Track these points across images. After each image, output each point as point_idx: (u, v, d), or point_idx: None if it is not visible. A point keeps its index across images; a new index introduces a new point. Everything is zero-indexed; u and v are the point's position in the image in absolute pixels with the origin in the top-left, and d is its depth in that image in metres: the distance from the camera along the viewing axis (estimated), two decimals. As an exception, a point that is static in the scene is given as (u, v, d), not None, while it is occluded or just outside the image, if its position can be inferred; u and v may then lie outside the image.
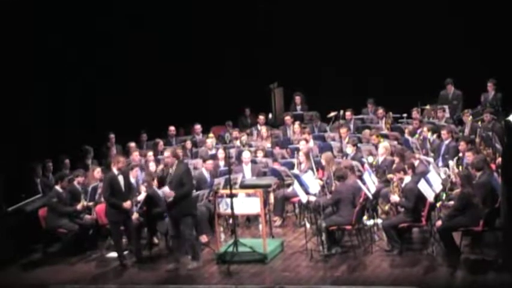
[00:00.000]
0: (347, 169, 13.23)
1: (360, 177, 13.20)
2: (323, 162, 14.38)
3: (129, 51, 19.29)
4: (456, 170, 13.77)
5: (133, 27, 19.30)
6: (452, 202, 12.57)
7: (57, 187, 13.79)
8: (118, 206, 12.78)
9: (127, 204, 12.83)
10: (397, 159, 13.62)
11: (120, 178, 12.91)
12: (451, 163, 14.22)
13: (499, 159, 13.49)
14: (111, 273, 12.77)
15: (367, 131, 16.67)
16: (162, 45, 20.10)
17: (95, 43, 18.41)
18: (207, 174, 14.71)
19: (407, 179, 12.62)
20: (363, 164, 14.50)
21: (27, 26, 16.69)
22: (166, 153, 12.88)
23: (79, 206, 13.71)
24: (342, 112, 17.95)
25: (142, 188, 13.90)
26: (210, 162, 14.91)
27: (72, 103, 17.84)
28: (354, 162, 14.24)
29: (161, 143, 17.39)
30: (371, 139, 16.02)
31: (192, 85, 20.22)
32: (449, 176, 13.74)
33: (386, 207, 13.21)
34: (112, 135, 17.71)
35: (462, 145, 14.63)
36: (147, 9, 19.73)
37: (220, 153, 15.59)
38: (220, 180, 13.92)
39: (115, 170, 12.96)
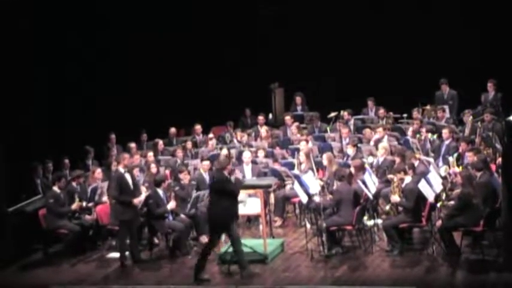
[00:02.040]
0: (356, 169, 13.25)
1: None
2: (324, 162, 14.37)
3: (129, 51, 19.29)
4: (456, 168, 13.79)
5: (134, 27, 19.31)
6: (452, 202, 12.58)
7: (55, 188, 13.76)
8: (129, 203, 12.81)
9: (137, 200, 12.88)
10: (398, 160, 13.63)
11: (127, 176, 12.94)
12: (451, 159, 14.23)
13: (500, 160, 13.50)
14: (111, 274, 12.75)
15: (367, 130, 16.67)
16: (162, 45, 20.10)
17: (95, 42, 18.41)
18: (205, 175, 14.71)
19: (408, 179, 12.62)
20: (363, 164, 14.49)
21: (27, 25, 16.69)
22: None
23: (73, 206, 13.66)
24: (342, 112, 17.97)
25: (143, 189, 13.93)
26: (206, 162, 14.90)
27: (72, 103, 17.83)
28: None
29: (161, 142, 17.39)
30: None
31: (193, 85, 20.22)
32: (449, 173, 13.74)
33: (387, 208, 13.20)
34: (113, 136, 17.70)
35: (463, 145, 14.65)
36: (147, 9, 19.74)
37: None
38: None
39: (121, 168, 12.97)
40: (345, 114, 17.96)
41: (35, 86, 16.95)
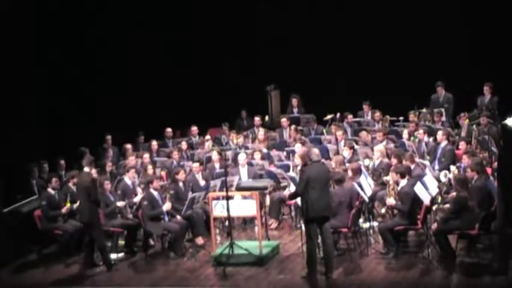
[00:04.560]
0: (354, 172, 13.25)
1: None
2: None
3: (129, 53, 19.29)
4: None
5: (133, 27, 19.31)
6: (447, 205, 12.59)
7: (49, 189, 13.73)
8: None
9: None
10: (395, 161, 13.64)
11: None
12: (453, 168, 14.18)
13: (495, 163, 13.51)
14: (106, 275, 12.73)
15: (363, 133, 16.68)
16: (161, 48, 20.09)
17: (95, 43, 18.41)
18: (198, 177, 14.68)
19: (403, 182, 12.62)
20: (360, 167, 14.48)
21: (26, 28, 16.70)
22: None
23: (64, 210, 13.60)
24: (338, 115, 17.97)
25: (139, 190, 13.92)
26: (196, 165, 14.86)
27: (72, 104, 17.83)
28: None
29: (154, 143, 17.35)
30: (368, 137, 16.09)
31: (189, 87, 20.23)
32: (449, 180, 13.72)
33: (383, 210, 13.21)
34: (108, 137, 17.68)
35: (462, 145, 14.68)
36: (147, 9, 19.75)
37: (215, 155, 15.57)
38: (216, 183, 13.93)
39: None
40: (349, 117, 17.95)
41: (35, 86, 16.95)
